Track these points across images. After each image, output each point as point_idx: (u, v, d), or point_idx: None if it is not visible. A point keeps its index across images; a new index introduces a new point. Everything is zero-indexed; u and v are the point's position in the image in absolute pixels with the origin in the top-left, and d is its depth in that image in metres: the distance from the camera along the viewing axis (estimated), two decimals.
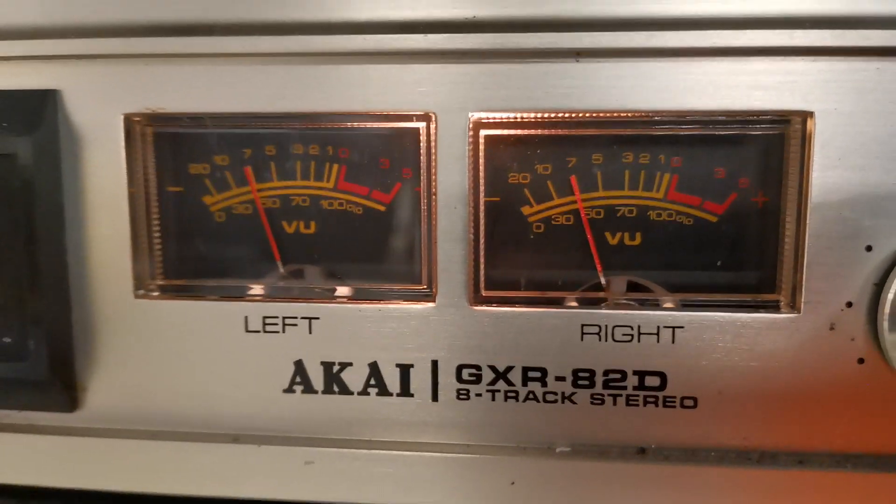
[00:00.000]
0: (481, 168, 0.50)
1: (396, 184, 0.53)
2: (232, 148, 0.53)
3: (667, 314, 0.49)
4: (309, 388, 0.53)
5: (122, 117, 0.51)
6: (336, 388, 0.53)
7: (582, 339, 0.50)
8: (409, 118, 0.50)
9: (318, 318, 0.52)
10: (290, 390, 0.53)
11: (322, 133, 0.53)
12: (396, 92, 0.49)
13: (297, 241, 0.54)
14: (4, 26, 0.51)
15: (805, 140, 0.47)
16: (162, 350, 0.53)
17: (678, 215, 0.51)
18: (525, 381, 0.51)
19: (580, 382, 0.51)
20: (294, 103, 0.50)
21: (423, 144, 0.51)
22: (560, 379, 0.51)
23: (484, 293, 0.52)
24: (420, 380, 0.52)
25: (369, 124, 0.52)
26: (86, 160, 0.52)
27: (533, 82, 0.48)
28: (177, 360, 0.53)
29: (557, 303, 0.52)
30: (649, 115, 0.48)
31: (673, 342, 0.49)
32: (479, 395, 0.52)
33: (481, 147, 0.50)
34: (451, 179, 0.49)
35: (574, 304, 0.51)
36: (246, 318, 0.52)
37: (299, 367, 0.53)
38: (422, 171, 0.51)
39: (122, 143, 0.51)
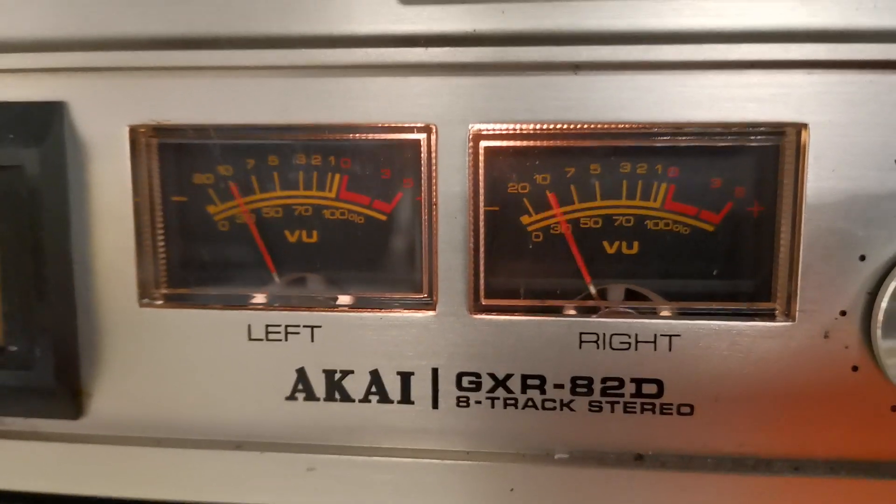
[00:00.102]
0: (481, 178, 0.51)
1: (397, 194, 0.53)
2: (235, 158, 0.54)
3: (664, 322, 0.50)
4: (311, 396, 0.53)
5: (127, 129, 0.51)
6: (338, 396, 0.53)
7: (580, 347, 0.50)
8: (410, 130, 0.51)
9: (320, 327, 0.52)
10: (292, 398, 0.53)
11: (324, 144, 0.53)
12: (398, 104, 0.49)
13: (299, 250, 0.54)
14: (12, 39, 0.51)
15: (799, 151, 0.47)
16: (166, 358, 0.54)
17: (675, 225, 0.51)
18: (524, 389, 0.51)
19: (578, 390, 0.51)
20: (297, 115, 0.50)
21: (423, 155, 0.51)
22: (559, 386, 0.51)
23: (484, 302, 0.52)
24: (420, 387, 0.52)
25: (371, 136, 0.52)
26: (92, 171, 0.52)
27: (532, 95, 0.48)
28: (181, 367, 0.54)
29: (556, 311, 0.52)
30: (647, 127, 0.49)
31: (670, 350, 0.50)
32: (478, 402, 0.52)
33: (481, 158, 0.51)
34: (452, 190, 0.50)
35: (572, 312, 0.52)
36: (249, 326, 0.53)
37: (301, 374, 0.53)
38: (422, 181, 0.51)
39: (128, 154, 0.52)
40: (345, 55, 0.49)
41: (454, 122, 0.49)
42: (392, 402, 0.53)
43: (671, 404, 0.50)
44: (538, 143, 0.51)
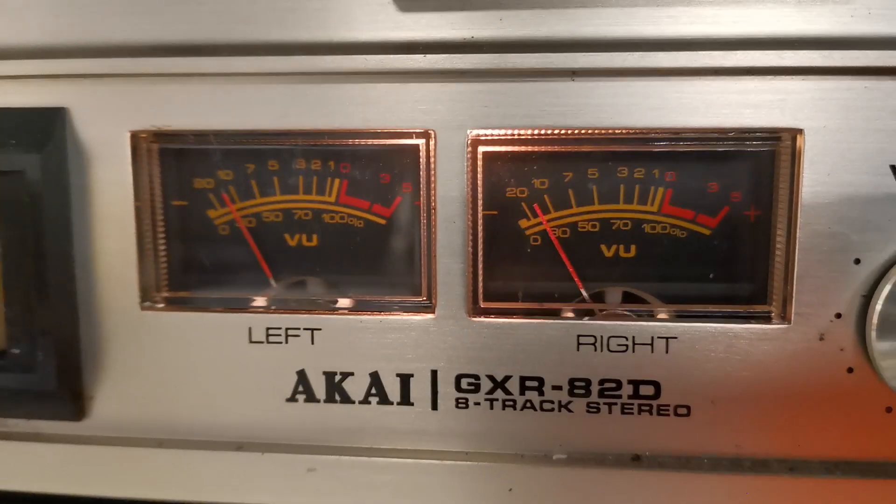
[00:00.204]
0: (479, 183, 0.51)
1: (397, 198, 0.53)
2: (235, 163, 0.54)
3: (661, 325, 0.50)
4: (311, 398, 0.53)
5: (128, 134, 0.52)
6: (338, 398, 0.53)
7: (578, 350, 0.51)
8: (409, 135, 0.51)
9: (320, 329, 0.52)
10: (292, 399, 0.54)
11: (324, 149, 0.53)
12: (397, 110, 0.49)
13: (299, 253, 0.55)
14: (15, 45, 0.52)
15: (795, 156, 0.48)
16: (167, 360, 0.54)
17: (672, 228, 0.51)
18: (522, 391, 0.52)
19: (576, 391, 0.51)
20: (297, 121, 0.50)
21: (422, 160, 0.51)
22: (557, 388, 0.51)
23: (482, 305, 0.52)
24: (420, 389, 0.53)
25: (370, 141, 0.52)
26: (93, 176, 0.52)
27: (530, 100, 0.48)
28: (182, 369, 0.54)
29: (554, 314, 0.52)
30: (644, 132, 0.49)
31: (667, 352, 0.50)
32: (477, 403, 0.52)
33: (479, 163, 0.51)
34: (450, 194, 0.50)
35: (570, 315, 0.52)
36: (249, 329, 0.53)
37: (302, 376, 0.53)
38: (421, 186, 0.52)
39: (129, 159, 0.52)
40: (344, 62, 0.49)
41: (453, 128, 0.49)
42: (392, 403, 0.53)
43: (668, 406, 0.51)
44: (536, 149, 0.51)
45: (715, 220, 0.51)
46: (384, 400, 0.53)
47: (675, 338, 0.50)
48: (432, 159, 0.50)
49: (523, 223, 0.52)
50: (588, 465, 0.52)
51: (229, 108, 0.51)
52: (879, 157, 0.47)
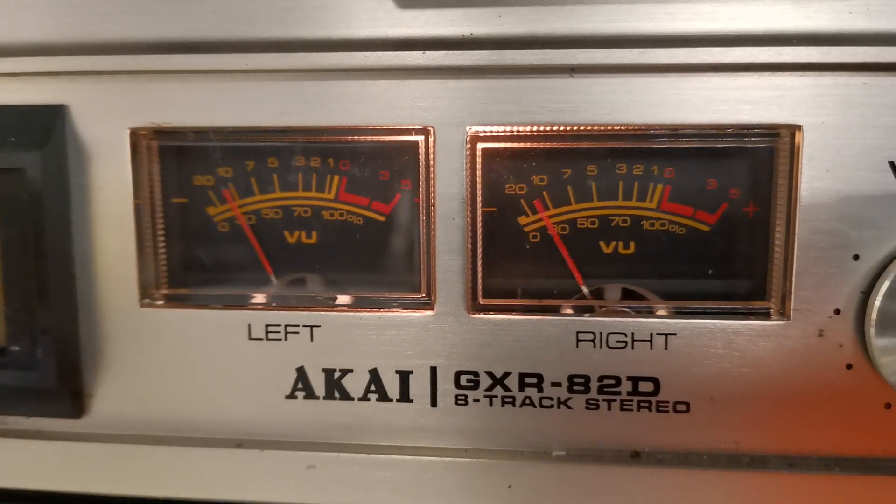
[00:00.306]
0: (478, 180, 0.51)
1: (396, 195, 0.53)
2: (235, 160, 0.54)
3: (660, 321, 0.50)
4: (311, 395, 0.53)
5: (128, 131, 0.52)
6: (337, 394, 0.53)
7: (577, 346, 0.51)
8: (408, 132, 0.51)
9: (319, 326, 0.52)
10: (292, 396, 0.54)
11: (323, 146, 0.53)
12: (396, 107, 0.50)
13: (298, 250, 0.55)
14: (14, 43, 0.52)
15: (794, 152, 0.48)
16: (167, 357, 0.54)
17: (671, 225, 0.52)
18: (522, 387, 0.52)
19: (575, 388, 0.51)
20: (296, 118, 0.50)
21: (421, 157, 0.52)
22: (556, 385, 0.51)
23: (481, 301, 0.52)
24: (419, 386, 0.53)
25: (369, 138, 0.52)
26: (93, 173, 0.52)
27: (528, 97, 0.49)
28: (181, 367, 0.54)
29: (553, 311, 0.52)
30: (642, 129, 0.49)
31: (666, 349, 0.50)
32: (476, 400, 0.52)
33: (478, 160, 0.51)
34: (449, 191, 0.50)
35: (569, 311, 0.52)
36: (249, 326, 0.53)
37: (301, 373, 0.53)
38: (420, 182, 0.52)
39: (129, 157, 0.52)
40: (343, 59, 0.49)
41: (452, 125, 0.49)
42: (391, 400, 0.53)
43: (667, 402, 0.51)
44: (535, 145, 0.51)
45: (714, 216, 0.51)
46: (383, 397, 0.53)
47: (675, 334, 0.50)
48: (431, 156, 0.50)
49: (522, 220, 0.52)
50: (587, 461, 0.52)
51: (229, 105, 0.51)
52: (878, 153, 0.47)
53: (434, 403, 0.53)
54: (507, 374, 0.52)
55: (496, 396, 0.52)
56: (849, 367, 0.49)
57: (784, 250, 0.49)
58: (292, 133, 0.53)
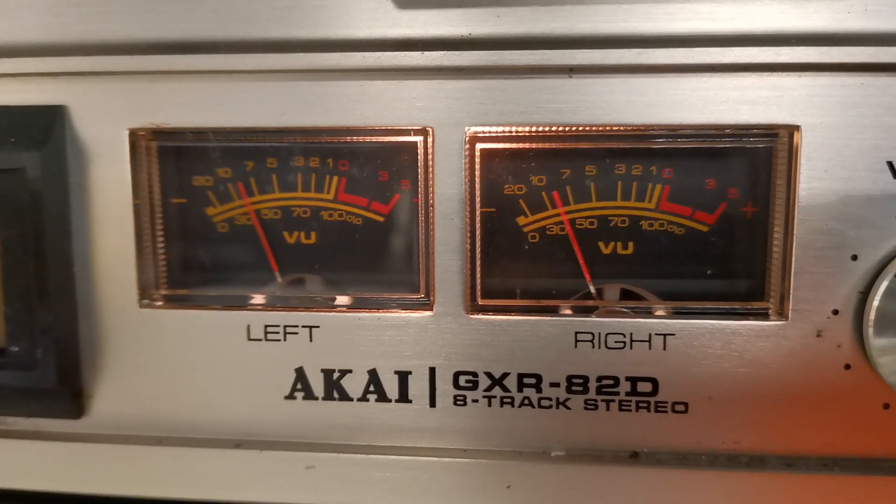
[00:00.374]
0: (477, 180, 0.51)
1: (395, 195, 0.53)
2: (234, 161, 0.54)
3: (658, 322, 0.50)
4: (310, 395, 0.53)
5: (127, 132, 0.52)
6: (336, 395, 0.53)
7: (576, 347, 0.51)
8: (406, 132, 0.51)
9: (318, 327, 0.52)
10: (291, 397, 0.54)
11: (322, 146, 0.53)
12: (394, 107, 0.50)
13: (297, 251, 0.55)
14: (13, 44, 0.52)
15: (792, 153, 0.48)
16: (166, 358, 0.54)
17: (670, 225, 0.52)
18: (520, 388, 0.52)
19: (574, 388, 0.51)
20: (295, 118, 0.50)
21: (420, 158, 0.51)
22: (554, 385, 0.51)
23: (480, 302, 0.52)
24: (418, 386, 0.53)
25: (368, 138, 0.52)
26: (92, 173, 0.52)
27: (527, 97, 0.49)
28: (180, 367, 0.54)
29: (552, 311, 0.52)
30: (641, 129, 0.49)
31: (664, 349, 0.50)
32: (475, 401, 0.52)
33: (477, 160, 0.51)
34: (448, 191, 0.50)
35: (568, 312, 0.52)
36: (248, 326, 0.53)
37: (300, 374, 0.53)
38: (419, 183, 0.52)
39: (128, 157, 0.52)
40: (342, 59, 0.49)
41: (450, 125, 0.49)
42: (390, 400, 0.53)
43: (666, 402, 0.51)
44: (533, 146, 0.51)
45: (712, 216, 0.51)
46: (382, 397, 0.53)
47: (673, 334, 0.50)
48: (430, 156, 0.50)
49: (521, 220, 0.52)
50: (586, 461, 0.52)
51: (228, 105, 0.51)
52: (876, 153, 0.47)
53: (433, 404, 0.53)
54: (505, 375, 0.52)
55: (495, 397, 0.52)
56: (847, 367, 0.49)
57: (782, 250, 0.49)
58: (291, 133, 0.53)
